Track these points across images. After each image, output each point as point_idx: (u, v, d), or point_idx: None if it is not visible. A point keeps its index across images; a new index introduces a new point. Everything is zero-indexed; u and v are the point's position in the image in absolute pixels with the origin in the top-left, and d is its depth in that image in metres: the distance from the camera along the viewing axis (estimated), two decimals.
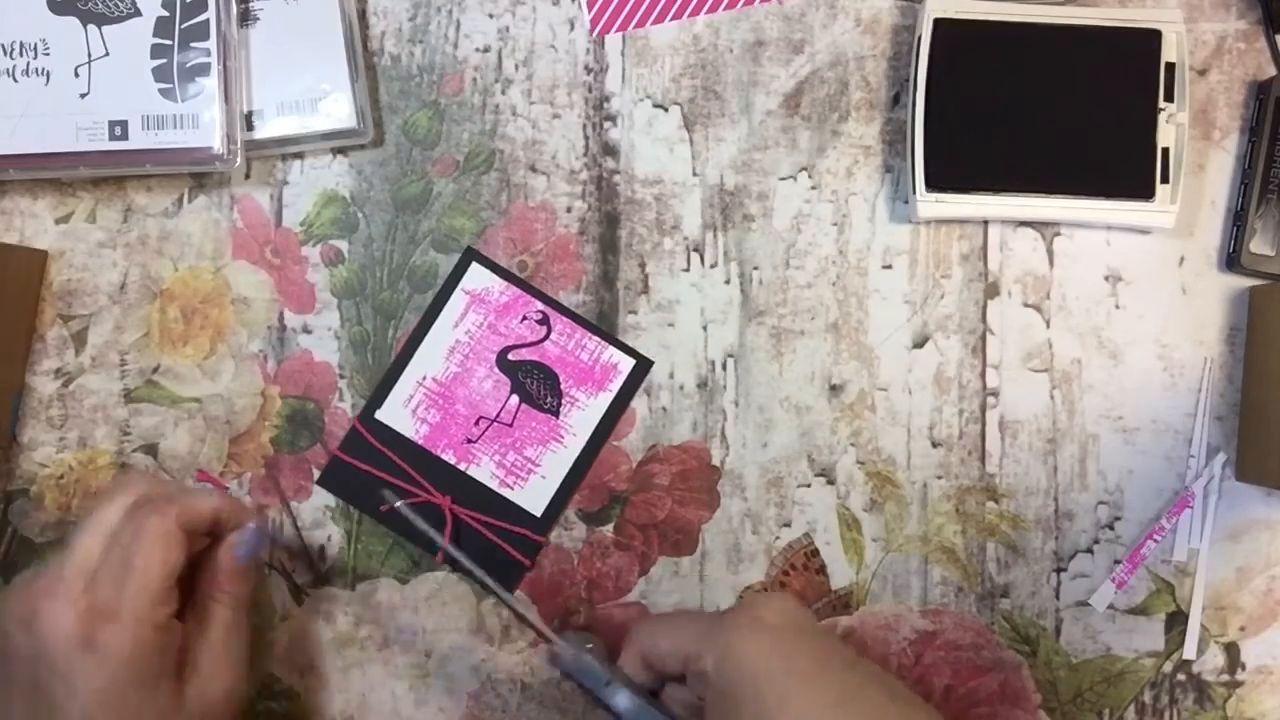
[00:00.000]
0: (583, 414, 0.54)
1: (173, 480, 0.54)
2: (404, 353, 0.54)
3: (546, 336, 0.54)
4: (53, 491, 0.55)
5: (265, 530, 0.50)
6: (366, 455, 0.54)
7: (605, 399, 0.54)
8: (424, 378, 0.54)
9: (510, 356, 0.54)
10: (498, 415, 0.54)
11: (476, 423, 0.54)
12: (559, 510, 0.54)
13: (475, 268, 0.54)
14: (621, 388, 0.55)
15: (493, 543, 0.54)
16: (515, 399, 0.54)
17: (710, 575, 0.55)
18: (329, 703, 0.55)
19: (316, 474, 0.55)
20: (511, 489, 0.54)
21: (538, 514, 0.54)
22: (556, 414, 0.54)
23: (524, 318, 0.54)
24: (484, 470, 0.54)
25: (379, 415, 0.54)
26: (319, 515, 0.55)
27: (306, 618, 0.55)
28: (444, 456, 0.54)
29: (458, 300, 0.54)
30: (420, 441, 0.54)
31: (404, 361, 0.54)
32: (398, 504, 0.51)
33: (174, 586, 0.45)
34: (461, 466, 0.54)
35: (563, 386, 0.54)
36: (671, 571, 0.55)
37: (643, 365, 0.55)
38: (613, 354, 0.55)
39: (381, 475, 0.54)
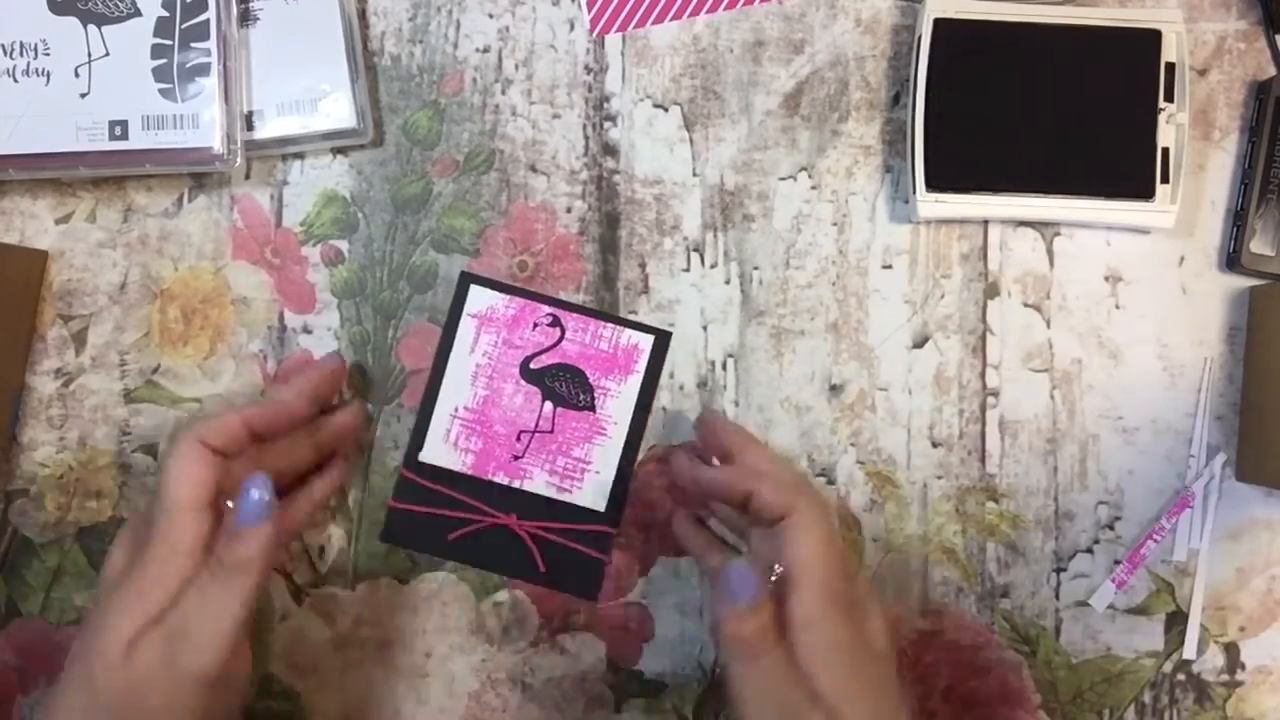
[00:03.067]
0: (617, 401, 0.54)
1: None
2: (429, 390, 0.54)
3: (562, 337, 0.54)
4: (53, 491, 0.55)
5: (267, 501, 0.45)
6: (421, 498, 0.54)
7: (635, 381, 0.55)
8: (456, 409, 0.54)
9: (533, 365, 0.54)
10: (536, 426, 0.54)
11: (518, 438, 0.54)
12: (622, 498, 0.54)
13: (475, 290, 0.54)
14: (648, 366, 0.55)
15: (568, 548, 0.54)
16: (549, 405, 0.54)
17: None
18: (329, 703, 0.55)
19: None
20: (570, 492, 0.54)
21: (601, 509, 0.54)
22: (593, 409, 0.54)
23: (535, 325, 0.54)
24: (538, 482, 0.54)
25: (422, 457, 0.54)
26: (319, 515, 0.55)
27: (306, 618, 0.55)
28: (496, 479, 0.54)
29: (467, 327, 0.54)
30: (469, 471, 0.54)
31: (432, 399, 0.54)
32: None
33: (208, 503, 0.44)
34: (515, 484, 0.54)
35: (591, 380, 0.54)
36: (671, 571, 0.55)
37: (663, 339, 0.55)
38: (630, 336, 0.55)
39: (441, 513, 0.54)
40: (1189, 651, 0.55)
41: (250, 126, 0.54)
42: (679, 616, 0.55)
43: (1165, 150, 0.54)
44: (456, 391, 0.54)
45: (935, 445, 0.56)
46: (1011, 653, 0.55)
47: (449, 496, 0.54)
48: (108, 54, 0.52)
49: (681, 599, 0.55)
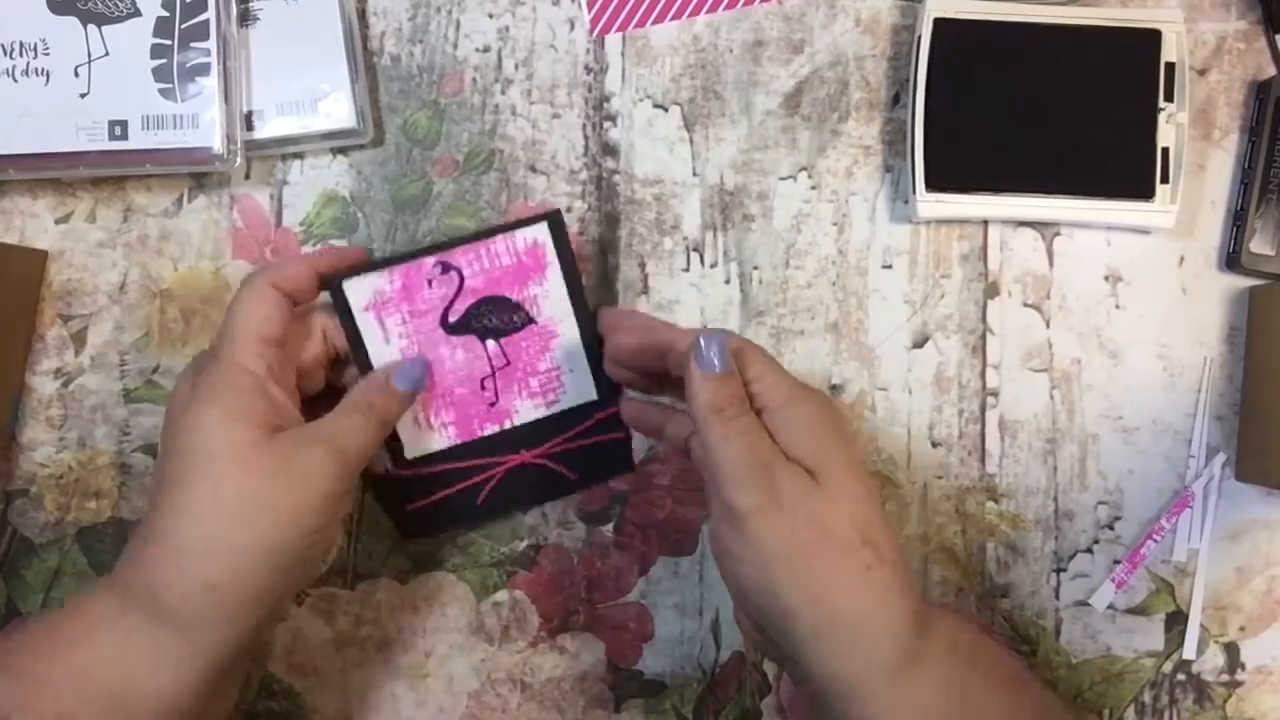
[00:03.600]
0: (549, 299, 0.52)
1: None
2: None
3: (462, 279, 0.51)
4: (52, 491, 0.55)
5: (423, 376, 0.50)
6: (431, 487, 0.53)
7: (555, 271, 0.52)
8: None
9: (452, 319, 0.52)
10: (492, 368, 0.52)
11: (483, 386, 0.53)
12: (605, 376, 0.52)
13: (350, 285, 0.50)
14: (557, 250, 0.51)
15: (586, 447, 0.53)
16: (490, 342, 0.52)
17: (710, 575, 0.55)
18: (329, 703, 0.55)
19: None
20: (558, 401, 0.53)
21: (594, 397, 0.53)
22: (533, 320, 0.52)
23: (430, 282, 0.51)
24: (525, 412, 0.53)
25: (408, 454, 0.53)
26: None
27: (306, 618, 0.55)
28: (486, 432, 0.53)
29: (367, 323, 0.50)
30: (458, 441, 0.53)
31: None
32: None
33: (271, 347, 0.45)
34: (506, 425, 0.53)
35: (515, 298, 0.52)
36: (671, 571, 0.55)
37: (555, 220, 0.51)
38: (523, 235, 0.51)
39: (457, 488, 0.53)
40: (1189, 651, 0.55)
41: (250, 126, 0.54)
42: (679, 616, 0.55)
43: (1165, 150, 0.54)
44: None
45: (935, 445, 0.56)
46: (1011, 653, 0.55)
47: (455, 470, 0.53)
48: (107, 54, 0.52)
49: (681, 599, 0.55)
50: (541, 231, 0.51)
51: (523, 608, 0.55)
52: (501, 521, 0.55)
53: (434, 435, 0.53)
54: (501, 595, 0.55)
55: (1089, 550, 0.55)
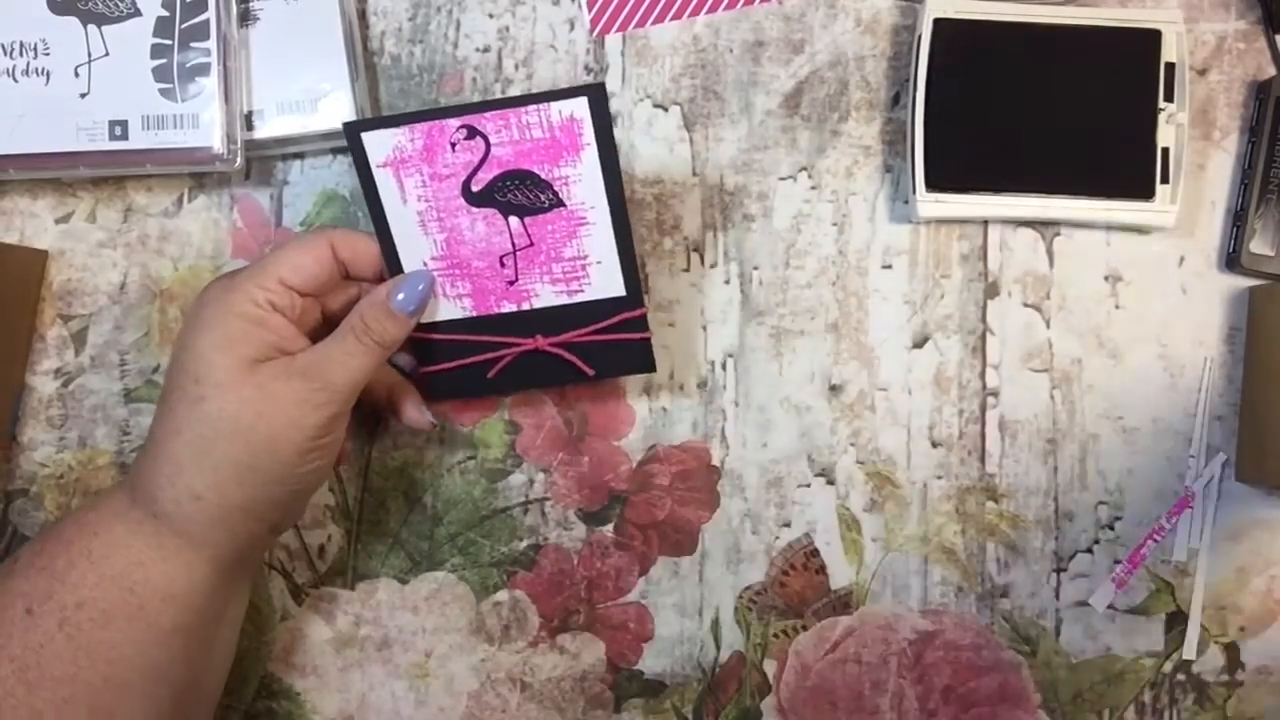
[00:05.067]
0: (582, 183, 0.48)
1: None
2: (389, 259, 0.50)
3: (488, 146, 0.48)
4: (53, 491, 0.55)
5: (432, 286, 0.49)
6: (445, 354, 0.51)
7: (591, 153, 0.48)
8: (424, 263, 0.50)
9: (474, 188, 0.48)
10: (513, 245, 0.49)
11: (502, 264, 0.49)
12: (635, 274, 0.50)
13: (369, 137, 0.48)
14: (596, 130, 0.47)
15: (608, 343, 0.50)
16: (514, 220, 0.49)
17: (710, 575, 0.55)
18: (329, 703, 0.55)
19: None
20: (582, 291, 0.50)
21: (622, 293, 0.50)
22: (562, 203, 0.49)
23: (453, 145, 0.48)
24: (544, 296, 0.50)
25: (422, 320, 0.50)
26: (319, 515, 0.55)
27: (306, 618, 0.55)
28: (503, 310, 0.50)
29: (385, 180, 0.48)
30: (474, 313, 0.50)
31: (395, 264, 0.50)
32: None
33: (289, 292, 0.46)
34: (525, 306, 0.50)
35: (544, 175, 0.48)
36: (671, 571, 0.55)
37: (597, 94, 0.46)
38: (561, 108, 0.47)
39: (471, 360, 0.51)
40: (1189, 651, 0.55)
41: (250, 126, 0.54)
42: (679, 616, 0.55)
43: (1165, 150, 0.54)
44: (414, 247, 0.49)
45: (935, 445, 0.56)
46: (1011, 653, 0.55)
47: (470, 342, 0.51)
48: (108, 54, 0.53)
49: (681, 599, 0.55)
50: (580, 106, 0.47)
51: (523, 608, 0.55)
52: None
53: (448, 303, 0.50)
54: (501, 595, 0.55)
55: (1089, 550, 0.55)
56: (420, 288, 0.48)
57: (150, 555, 0.44)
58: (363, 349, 0.46)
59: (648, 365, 0.51)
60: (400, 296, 0.47)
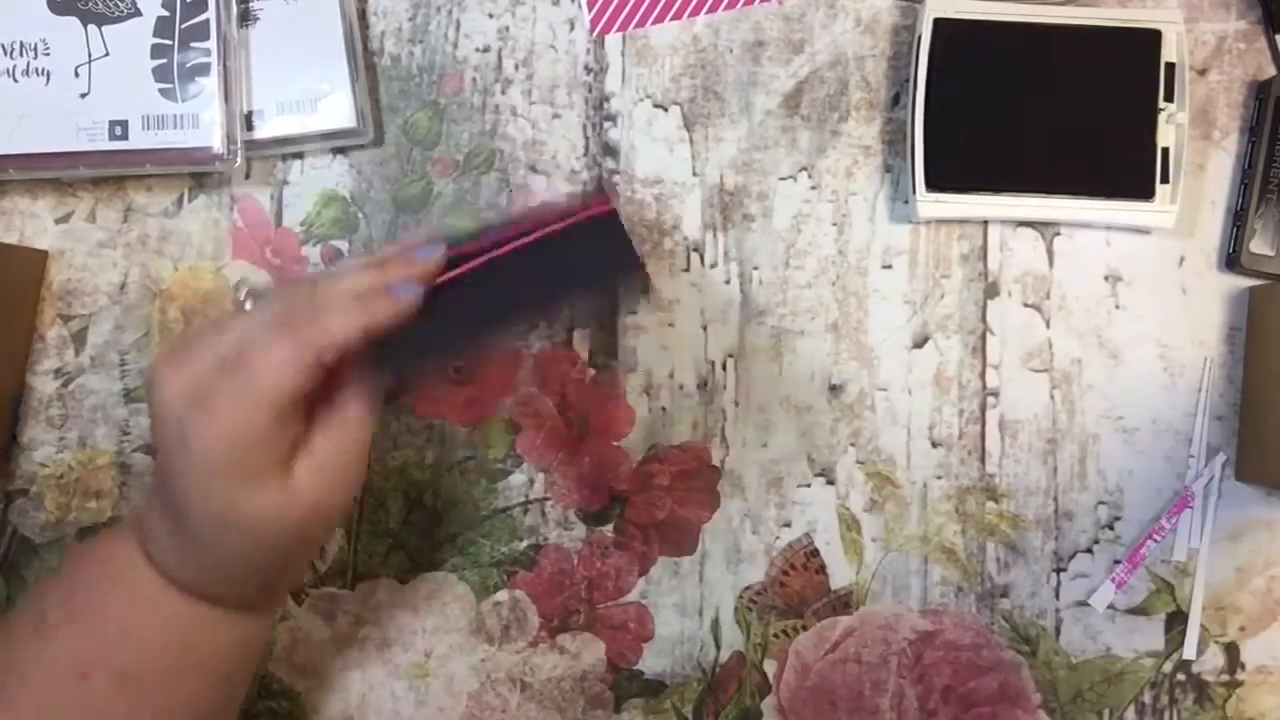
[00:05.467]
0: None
1: (335, 283, 0.42)
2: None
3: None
4: (53, 491, 0.55)
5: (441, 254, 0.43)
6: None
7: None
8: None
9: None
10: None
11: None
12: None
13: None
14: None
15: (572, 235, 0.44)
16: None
17: (710, 575, 0.55)
18: (329, 703, 0.55)
19: None
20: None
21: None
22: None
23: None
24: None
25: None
26: None
27: (306, 618, 0.55)
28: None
29: None
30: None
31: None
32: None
33: (298, 403, 0.40)
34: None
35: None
36: (671, 571, 0.55)
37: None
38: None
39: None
40: (1189, 651, 0.55)
41: (250, 126, 0.54)
42: (679, 616, 0.55)
43: (1165, 150, 0.54)
44: None
45: (935, 445, 0.56)
46: (1011, 653, 0.55)
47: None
48: (108, 54, 0.53)
49: (681, 599, 0.55)
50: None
51: (523, 608, 0.55)
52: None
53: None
54: (501, 595, 0.55)
55: (1089, 550, 0.55)
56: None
57: (194, 621, 0.44)
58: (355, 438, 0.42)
59: (633, 259, 0.45)
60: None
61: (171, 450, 0.40)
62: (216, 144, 0.52)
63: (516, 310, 0.45)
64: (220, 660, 0.45)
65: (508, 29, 0.57)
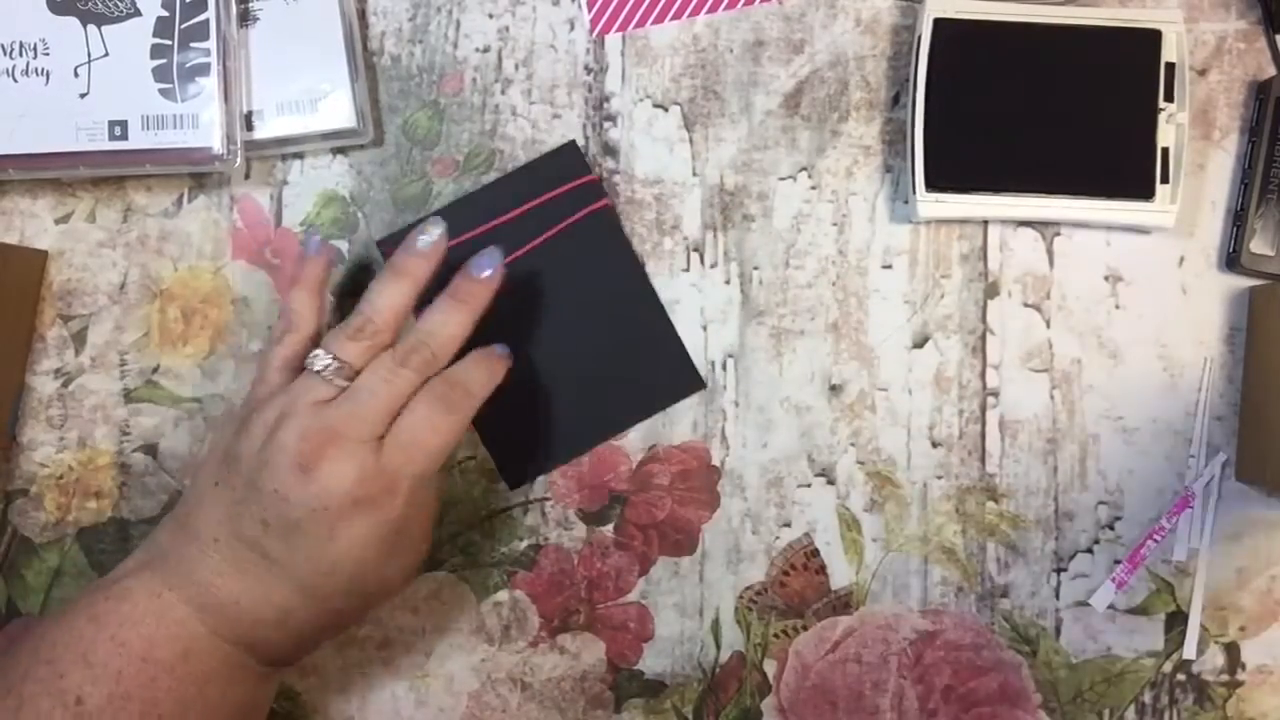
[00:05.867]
0: None
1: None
2: None
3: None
4: (52, 491, 0.55)
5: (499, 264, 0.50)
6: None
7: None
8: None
9: None
10: None
11: None
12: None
13: None
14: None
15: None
16: None
17: (710, 575, 0.55)
18: (329, 703, 0.55)
19: None
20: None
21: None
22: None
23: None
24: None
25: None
26: None
27: None
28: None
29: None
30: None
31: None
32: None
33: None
34: None
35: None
36: (671, 571, 0.55)
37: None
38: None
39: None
40: (1189, 651, 0.55)
41: (250, 126, 0.54)
42: (679, 616, 0.55)
43: (1165, 150, 0.54)
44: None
45: (935, 445, 0.56)
46: (1011, 653, 0.55)
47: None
48: (107, 54, 0.52)
49: (681, 599, 0.55)
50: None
51: (523, 608, 0.55)
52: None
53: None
54: (501, 595, 0.55)
55: (1089, 550, 0.55)
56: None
57: (252, 684, 0.46)
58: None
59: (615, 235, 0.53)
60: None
61: (323, 520, 0.44)
62: (216, 144, 0.52)
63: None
64: (263, 712, 0.48)
65: (508, 29, 0.57)
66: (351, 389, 0.45)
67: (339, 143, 0.55)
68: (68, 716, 0.41)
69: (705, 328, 0.56)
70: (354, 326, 0.47)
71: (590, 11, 0.57)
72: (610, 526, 0.55)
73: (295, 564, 0.44)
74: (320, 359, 0.46)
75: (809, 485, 0.55)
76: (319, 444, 0.43)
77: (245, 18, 0.54)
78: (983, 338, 0.56)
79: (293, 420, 0.44)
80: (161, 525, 0.47)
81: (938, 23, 0.54)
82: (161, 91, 0.52)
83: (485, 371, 0.48)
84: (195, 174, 0.56)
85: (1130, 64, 0.54)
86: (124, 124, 0.52)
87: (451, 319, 0.48)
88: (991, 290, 0.56)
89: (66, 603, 0.45)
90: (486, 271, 0.49)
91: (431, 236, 0.49)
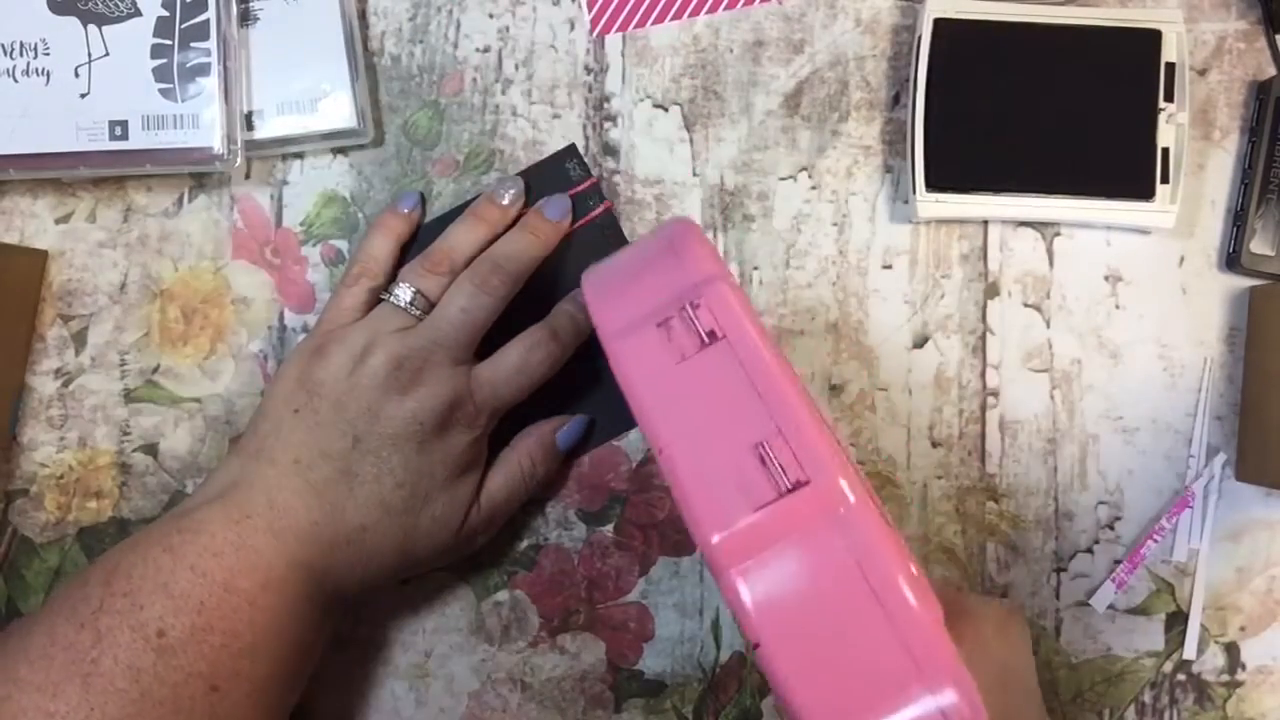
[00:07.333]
0: None
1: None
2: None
3: None
4: (53, 492, 0.55)
5: (585, 426, 0.54)
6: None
7: None
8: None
9: None
10: None
11: None
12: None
13: None
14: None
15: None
16: None
17: (710, 575, 0.55)
18: (329, 703, 0.55)
19: None
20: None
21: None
22: None
23: None
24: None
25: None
26: None
27: None
28: None
29: None
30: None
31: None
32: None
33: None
34: None
35: None
36: (671, 571, 0.55)
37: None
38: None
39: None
40: (1189, 651, 0.55)
41: (250, 126, 0.54)
42: (679, 616, 0.55)
43: (1165, 150, 0.54)
44: None
45: (935, 445, 0.56)
46: None
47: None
48: (108, 54, 0.53)
49: (681, 599, 0.55)
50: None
51: (523, 608, 0.55)
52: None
53: None
54: (501, 595, 0.55)
55: (1089, 550, 0.55)
56: (581, 430, 0.54)
57: (316, 622, 0.47)
58: (522, 484, 0.52)
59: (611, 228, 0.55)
60: (562, 437, 0.53)
61: (415, 435, 0.47)
62: (216, 144, 0.52)
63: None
64: (317, 659, 0.49)
65: (508, 29, 0.57)
66: (435, 314, 0.48)
67: (339, 143, 0.55)
68: (149, 650, 0.41)
69: None
70: (433, 259, 0.50)
71: (590, 11, 0.57)
72: (610, 526, 0.55)
73: (379, 477, 0.46)
74: (403, 290, 0.49)
75: None
76: (414, 368, 0.47)
77: (245, 18, 0.54)
78: (983, 338, 0.56)
79: (380, 348, 0.47)
80: (224, 464, 0.48)
81: (938, 23, 0.54)
82: (162, 91, 0.52)
83: (569, 319, 0.51)
84: (195, 174, 0.56)
85: (1130, 64, 0.54)
86: (124, 124, 0.52)
87: (527, 248, 0.51)
88: (991, 290, 0.56)
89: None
90: (557, 215, 0.53)
91: (515, 191, 0.53)
